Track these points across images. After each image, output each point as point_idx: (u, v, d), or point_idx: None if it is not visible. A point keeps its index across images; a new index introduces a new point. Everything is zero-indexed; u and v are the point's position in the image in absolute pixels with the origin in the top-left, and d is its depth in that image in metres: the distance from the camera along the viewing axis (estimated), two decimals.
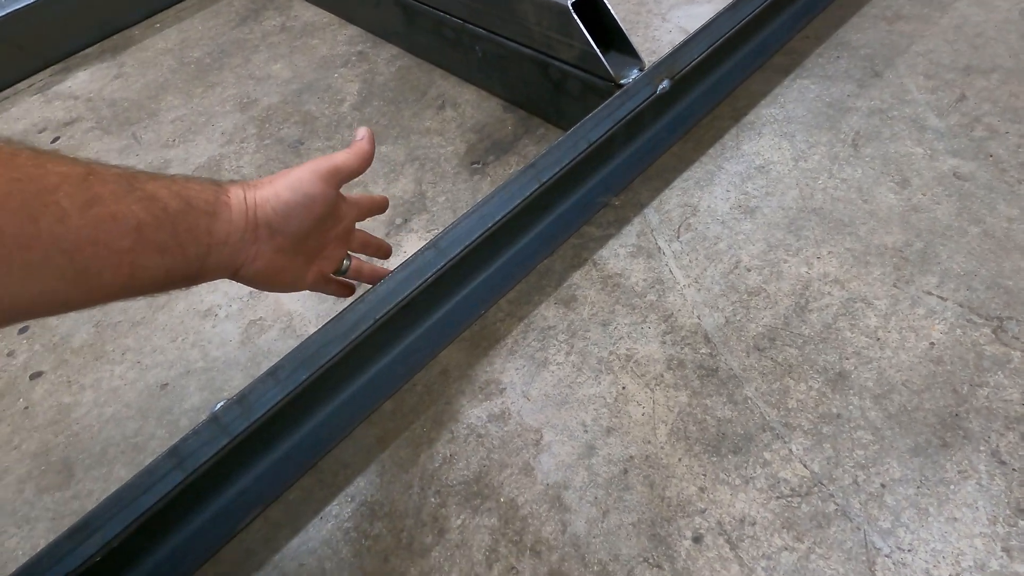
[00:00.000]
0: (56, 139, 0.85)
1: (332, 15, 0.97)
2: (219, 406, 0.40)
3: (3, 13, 0.92)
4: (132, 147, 0.81)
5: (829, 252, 0.54)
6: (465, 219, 0.49)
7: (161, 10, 1.07)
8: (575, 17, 0.56)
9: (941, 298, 0.49)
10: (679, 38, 0.77)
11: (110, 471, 0.51)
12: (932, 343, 0.47)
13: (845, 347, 0.47)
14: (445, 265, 0.47)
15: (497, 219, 0.49)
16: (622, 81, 0.58)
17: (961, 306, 0.48)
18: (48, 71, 0.99)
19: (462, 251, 0.47)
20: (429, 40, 0.80)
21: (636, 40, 0.78)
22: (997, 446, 0.41)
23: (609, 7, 0.58)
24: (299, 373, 0.41)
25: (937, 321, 0.48)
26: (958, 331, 0.47)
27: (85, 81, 0.95)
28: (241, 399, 0.40)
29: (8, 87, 0.97)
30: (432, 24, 0.76)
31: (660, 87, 0.56)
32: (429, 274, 0.46)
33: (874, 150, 0.61)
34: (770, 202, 0.58)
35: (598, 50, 0.57)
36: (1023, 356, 0.45)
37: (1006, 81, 0.65)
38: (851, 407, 0.44)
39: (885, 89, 0.66)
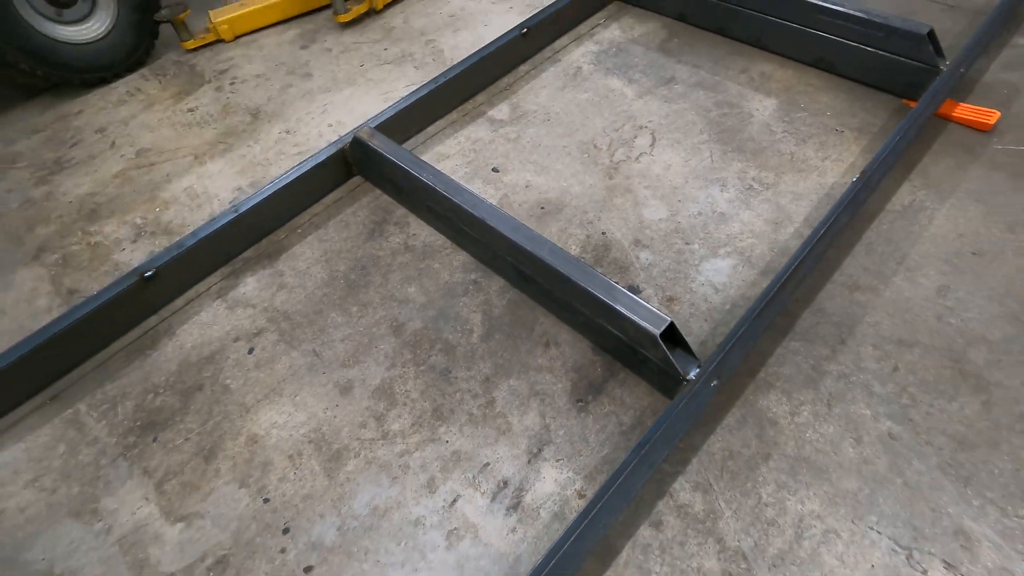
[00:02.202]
0: (251, 349, 1.14)
1: (443, 236, 1.28)
2: None
3: (198, 235, 1.20)
4: (317, 365, 1.11)
5: (814, 493, 0.88)
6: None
7: (299, 213, 1.36)
8: (663, 345, 0.89)
9: (879, 532, 0.84)
10: (709, 291, 1.12)
11: None
12: (873, 566, 0.81)
13: (824, 568, 0.82)
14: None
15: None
16: (688, 377, 0.91)
17: (890, 539, 0.83)
18: (219, 273, 1.27)
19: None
20: (536, 291, 1.12)
21: (678, 290, 1.12)
22: None
23: (685, 339, 0.91)
24: None
25: (877, 550, 0.82)
26: (888, 557, 0.82)
27: (255, 288, 1.24)
28: None
29: (190, 288, 1.25)
30: (541, 290, 1.09)
31: (713, 384, 0.90)
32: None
33: (841, 410, 0.96)
34: (776, 451, 0.93)
35: (677, 363, 0.90)
36: None
37: (924, 356, 1.00)
38: None
39: (848, 356, 1.02)
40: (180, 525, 0.93)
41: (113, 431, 1.05)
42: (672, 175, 1.34)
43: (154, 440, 1.03)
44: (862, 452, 0.91)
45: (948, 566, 0.80)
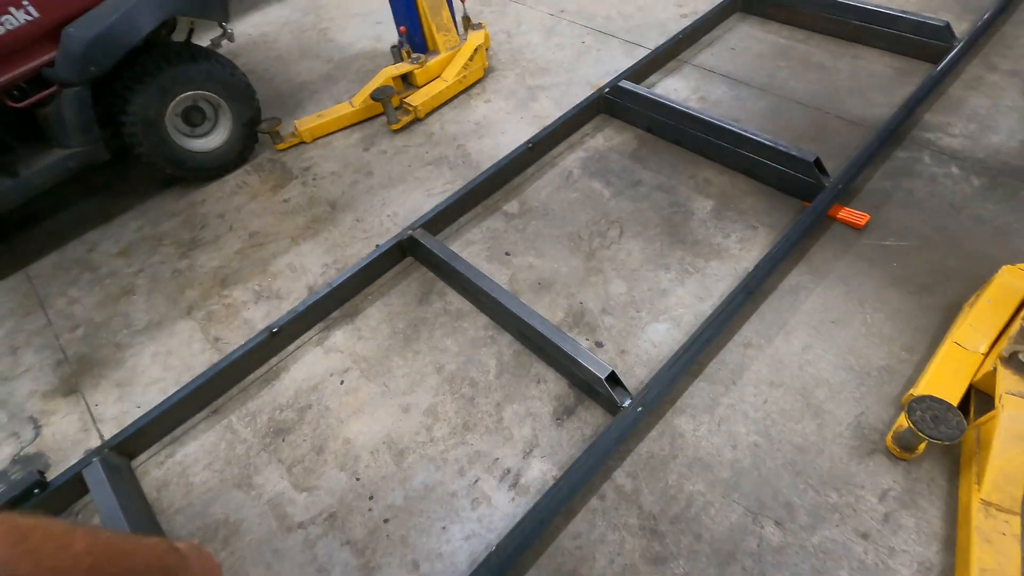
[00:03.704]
0: (342, 381, 1.70)
1: (471, 304, 1.84)
2: None
3: (306, 303, 1.78)
4: (386, 393, 1.66)
5: (701, 480, 1.40)
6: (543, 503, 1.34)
7: (369, 284, 1.94)
8: (606, 385, 1.42)
9: (737, 503, 1.35)
10: (649, 346, 1.65)
11: None
12: (731, 522, 1.32)
13: (702, 523, 1.33)
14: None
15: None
16: (623, 405, 1.44)
17: (744, 507, 1.34)
18: (317, 328, 1.85)
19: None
20: (532, 346, 1.67)
21: (629, 345, 1.66)
22: None
23: (622, 381, 1.45)
24: None
25: (734, 513, 1.33)
26: (741, 518, 1.32)
27: (342, 339, 1.81)
28: None
29: (299, 338, 1.82)
30: (535, 345, 1.63)
31: (639, 410, 1.43)
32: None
33: (726, 427, 1.47)
34: (681, 453, 1.44)
35: (616, 396, 1.43)
36: None
37: (785, 393, 1.52)
38: None
39: (736, 392, 1.53)
40: (304, 494, 1.49)
41: (256, 434, 1.62)
42: (632, 260, 1.89)
43: (283, 440, 1.60)
44: (735, 455, 1.42)
45: (777, 525, 1.31)
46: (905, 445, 1.35)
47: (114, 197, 2.45)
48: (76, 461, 1.50)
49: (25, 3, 1.72)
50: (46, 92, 1.90)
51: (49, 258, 2.23)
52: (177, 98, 2.18)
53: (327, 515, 1.44)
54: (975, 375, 1.39)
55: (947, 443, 1.23)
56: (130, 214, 2.36)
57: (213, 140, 2.38)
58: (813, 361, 1.57)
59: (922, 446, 1.34)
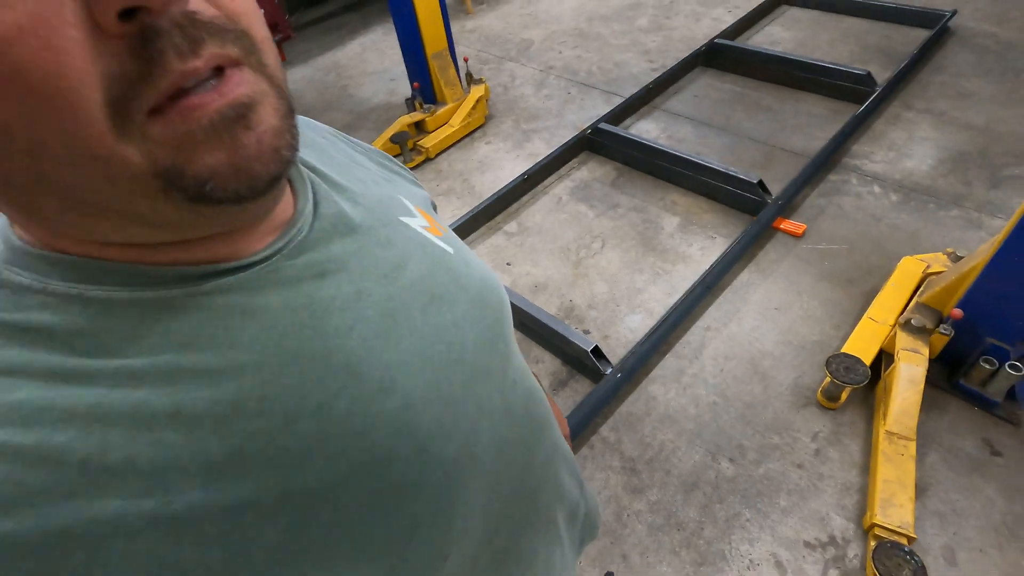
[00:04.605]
0: None
1: None
2: None
3: None
4: None
5: (671, 432, 1.73)
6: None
7: None
8: (591, 356, 1.77)
9: (700, 446, 1.68)
10: (627, 332, 2.00)
11: None
12: (694, 461, 1.65)
13: (671, 464, 1.65)
14: None
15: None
16: (606, 372, 1.78)
17: (705, 449, 1.67)
18: None
19: None
20: (531, 333, 2.02)
21: (611, 331, 2.02)
22: None
23: (606, 355, 1.80)
24: None
25: (697, 454, 1.66)
26: (702, 457, 1.65)
27: None
28: None
29: None
30: (534, 332, 1.99)
31: (618, 376, 1.77)
32: None
33: (690, 391, 1.81)
34: (654, 412, 1.78)
35: (600, 366, 1.78)
36: None
37: (738, 364, 1.87)
38: None
39: (698, 364, 1.88)
40: None
41: None
42: (612, 267, 2.27)
43: None
44: (698, 411, 1.76)
45: (731, 461, 1.63)
46: (830, 396, 1.69)
47: None
48: None
49: None
50: None
51: None
52: None
53: None
54: (884, 341, 1.75)
55: (856, 386, 1.58)
56: None
57: None
58: (760, 339, 1.93)
59: (844, 395, 1.68)
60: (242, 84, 0.27)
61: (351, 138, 0.50)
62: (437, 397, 0.36)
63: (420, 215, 0.45)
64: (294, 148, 0.29)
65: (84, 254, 0.29)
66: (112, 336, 0.28)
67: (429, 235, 0.44)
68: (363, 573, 0.32)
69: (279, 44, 2.59)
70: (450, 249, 0.44)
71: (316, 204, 0.37)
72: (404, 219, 0.43)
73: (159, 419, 0.27)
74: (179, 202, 0.27)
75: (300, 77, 3.98)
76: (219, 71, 0.26)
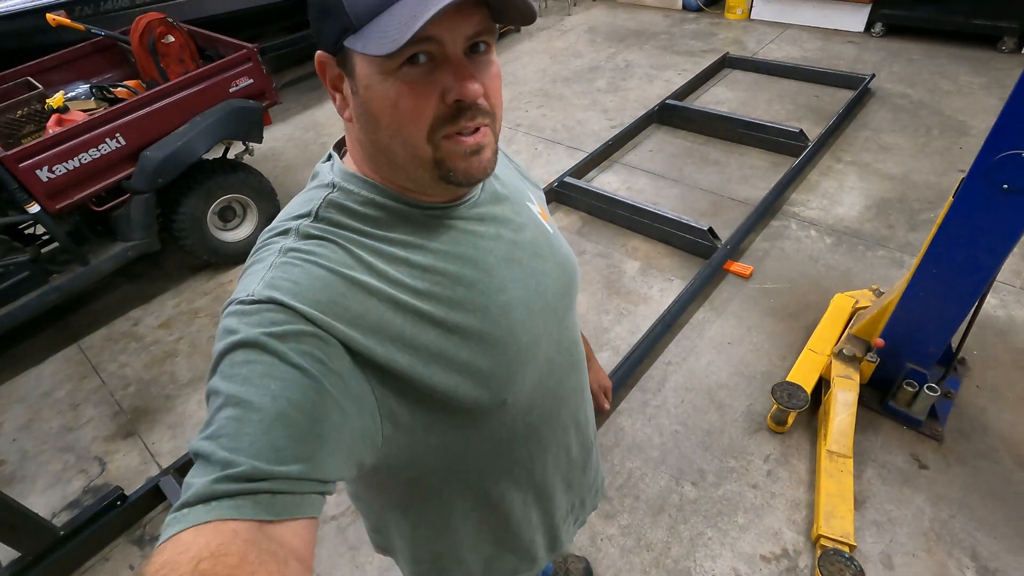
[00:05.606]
0: None
1: None
2: None
3: None
4: None
5: (637, 459, 1.88)
6: None
7: None
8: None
9: (664, 472, 1.83)
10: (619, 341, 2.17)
11: None
12: (659, 489, 1.79)
13: (638, 496, 1.79)
14: None
15: None
16: None
17: (668, 475, 1.82)
18: None
19: None
20: None
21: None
22: None
23: None
24: None
25: (662, 480, 1.81)
26: (667, 483, 1.80)
27: None
28: None
29: None
30: None
31: None
32: None
33: (655, 422, 1.97)
34: (623, 442, 1.93)
35: None
36: None
37: (697, 395, 2.04)
38: None
39: (661, 396, 2.05)
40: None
41: None
42: (581, 308, 2.45)
43: None
44: (662, 440, 1.92)
45: (693, 484, 1.78)
46: (778, 421, 1.88)
47: (153, 281, 2.92)
48: (148, 479, 1.87)
49: (117, 135, 2.31)
50: (123, 199, 2.44)
51: (99, 332, 2.66)
52: (217, 200, 2.74)
53: (352, 508, 1.84)
54: (822, 369, 1.96)
55: (798, 410, 1.77)
56: (168, 294, 2.83)
57: (241, 232, 2.92)
58: (716, 371, 2.12)
59: (791, 419, 1.87)
60: (484, 136, 0.55)
61: (506, 152, 0.78)
62: (524, 307, 0.63)
63: (536, 204, 0.74)
64: (494, 168, 0.59)
65: (390, 186, 0.59)
66: (395, 230, 0.58)
67: (540, 218, 0.72)
68: (464, 371, 0.58)
69: (266, 109, 2.77)
70: (551, 229, 0.73)
71: (483, 185, 0.66)
72: (528, 204, 0.72)
73: (416, 271, 0.58)
74: (437, 178, 0.56)
75: (281, 135, 4.17)
76: (477, 128, 0.55)
